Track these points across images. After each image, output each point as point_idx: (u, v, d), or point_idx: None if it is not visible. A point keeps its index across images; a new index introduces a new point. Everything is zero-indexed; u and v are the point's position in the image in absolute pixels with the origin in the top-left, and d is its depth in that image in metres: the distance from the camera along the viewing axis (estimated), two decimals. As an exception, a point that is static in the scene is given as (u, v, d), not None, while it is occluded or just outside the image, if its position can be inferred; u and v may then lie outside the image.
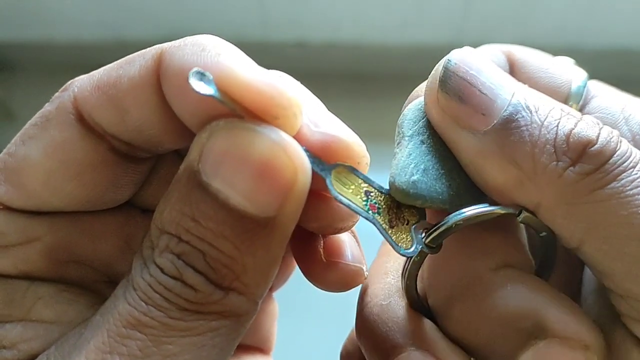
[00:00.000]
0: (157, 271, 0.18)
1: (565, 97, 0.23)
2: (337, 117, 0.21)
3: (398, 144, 0.22)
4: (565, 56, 0.26)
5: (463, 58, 0.21)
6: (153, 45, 0.20)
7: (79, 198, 0.21)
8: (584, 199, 0.19)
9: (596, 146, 0.19)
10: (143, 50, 0.20)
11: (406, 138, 0.21)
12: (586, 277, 0.24)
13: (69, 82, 0.20)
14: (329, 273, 0.22)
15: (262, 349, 0.29)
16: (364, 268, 0.23)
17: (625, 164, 0.19)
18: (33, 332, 0.20)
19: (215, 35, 0.20)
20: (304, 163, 0.18)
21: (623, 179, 0.18)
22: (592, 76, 0.24)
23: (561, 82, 0.23)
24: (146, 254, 0.18)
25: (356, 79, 0.81)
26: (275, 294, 0.30)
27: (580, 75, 0.24)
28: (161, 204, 0.18)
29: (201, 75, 0.17)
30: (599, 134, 0.19)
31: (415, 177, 0.20)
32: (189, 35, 0.20)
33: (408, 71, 0.85)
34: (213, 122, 0.18)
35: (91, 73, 0.20)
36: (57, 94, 0.21)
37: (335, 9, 0.75)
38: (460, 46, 0.22)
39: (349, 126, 0.21)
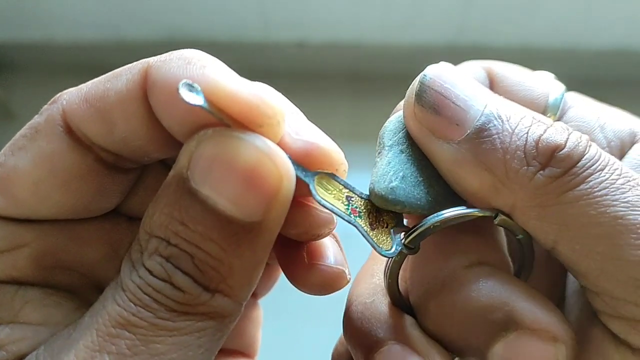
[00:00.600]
0: (146, 273, 0.18)
1: (542, 109, 0.24)
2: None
3: (379, 153, 0.23)
4: (561, 66, 0.26)
5: (438, 73, 0.22)
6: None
7: (66, 207, 0.21)
8: (554, 200, 0.20)
9: (564, 150, 0.20)
10: (129, 65, 0.21)
11: (386, 148, 0.23)
12: (569, 279, 0.25)
13: (58, 95, 0.21)
14: (311, 276, 0.23)
15: (246, 354, 0.30)
16: (346, 271, 0.24)
17: (594, 166, 0.20)
18: (21, 334, 0.20)
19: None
20: (289, 170, 0.19)
21: (591, 180, 0.19)
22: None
23: (538, 94, 0.24)
24: (135, 257, 0.19)
25: (356, 79, 0.81)
26: (267, 298, 0.31)
27: (558, 88, 0.25)
28: (150, 209, 0.19)
29: (190, 87, 0.18)
30: (568, 138, 0.20)
31: (393, 184, 0.22)
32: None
33: (408, 71, 0.85)
34: (201, 131, 0.19)
35: (79, 86, 0.21)
36: (46, 106, 0.21)
37: (335, 9, 0.75)
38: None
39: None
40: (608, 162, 0.20)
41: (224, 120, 0.18)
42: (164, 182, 0.19)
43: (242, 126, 0.19)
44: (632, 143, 0.24)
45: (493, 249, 0.23)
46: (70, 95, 0.21)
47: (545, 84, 0.25)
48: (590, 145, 0.20)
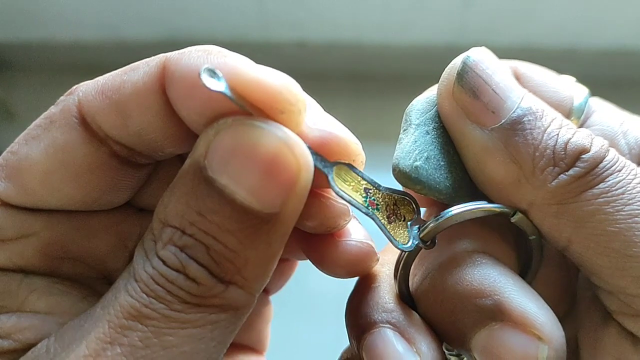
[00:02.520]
0: (159, 263, 0.18)
1: (567, 112, 0.24)
2: (337, 117, 0.21)
3: (404, 130, 0.23)
4: (561, 66, 0.26)
5: (482, 57, 0.22)
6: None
7: (76, 199, 0.21)
8: (574, 199, 0.20)
9: (589, 153, 0.21)
10: (148, 58, 0.20)
11: (413, 126, 0.23)
12: (581, 281, 0.25)
13: (75, 87, 0.21)
14: (339, 254, 0.23)
15: (256, 349, 0.30)
16: (375, 248, 0.23)
17: (613, 167, 0.20)
18: (27, 323, 0.20)
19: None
20: (308, 161, 0.18)
21: (609, 180, 0.20)
22: (592, 76, 0.25)
23: (564, 97, 0.24)
24: (148, 247, 0.18)
25: (356, 79, 0.81)
26: (274, 295, 0.31)
27: (582, 92, 0.25)
28: (165, 198, 0.19)
29: (212, 73, 0.17)
30: (592, 143, 0.21)
31: (418, 163, 0.22)
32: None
33: (408, 71, 0.85)
34: (220, 119, 0.18)
35: (96, 78, 0.21)
36: (62, 97, 0.21)
37: (335, 9, 0.75)
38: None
39: (349, 126, 0.21)
40: (625, 165, 0.21)
41: (244, 107, 0.18)
42: (179, 171, 0.19)
43: (262, 114, 0.18)
44: None
45: (501, 242, 0.23)
46: (87, 87, 0.21)
47: (570, 86, 0.25)
48: (609, 150, 0.21)
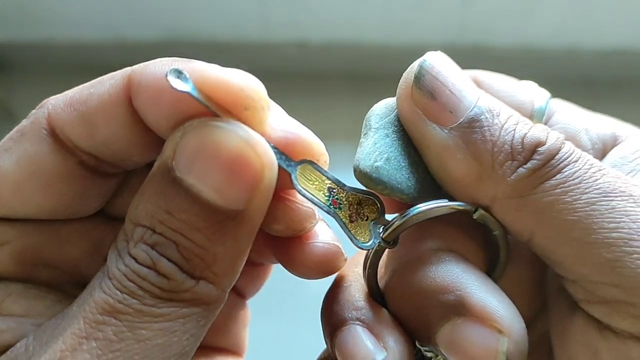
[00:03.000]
0: (131, 261, 0.19)
1: (528, 115, 0.25)
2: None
3: (365, 134, 0.23)
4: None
5: (438, 60, 0.23)
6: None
7: (47, 208, 0.22)
8: (533, 190, 0.21)
9: (545, 146, 0.21)
10: (115, 72, 0.21)
11: (372, 130, 0.23)
12: (549, 274, 0.25)
13: (45, 100, 0.22)
14: (307, 256, 0.23)
15: (234, 352, 0.31)
16: (342, 249, 0.24)
17: (569, 158, 0.21)
18: (4, 325, 0.21)
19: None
20: (271, 159, 0.19)
21: (566, 170, 0.21)
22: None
23: (524, 101, 0.25)
24: (121, 246, 0.19)
25: (356, 79, 0.81)
26: (260, 297, 0.31)
27: (543, 95, 0.26)
28: (135, 200, 0.20)
29: (178, 73, 0.18)
30: (548, 136, 0.22)
31: (378, 164, 0.22)
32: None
33: (408, 71, 0.85)
34: (186, 122, 0.19)
35: (65, 92, 0.22)
36: (33, 110, 0.22)
37: (335, 9, 0.75)
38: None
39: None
40: (581, 156, 0.21)
41: (210, 107, 0.19)
42: (149, 174, 0.20)
43: (227, 113, 0.19)
44: (614, 145, 0.25)
45: (465, 239, 0.24)
46: (56, 100, 0.21)
47: (530, 91, 0.26)
48: (564, 143, 0.22)
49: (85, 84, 0.21)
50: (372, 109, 0.24)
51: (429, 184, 0.23)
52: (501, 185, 0.21)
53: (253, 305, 0.31)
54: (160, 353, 0.18)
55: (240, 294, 0.30)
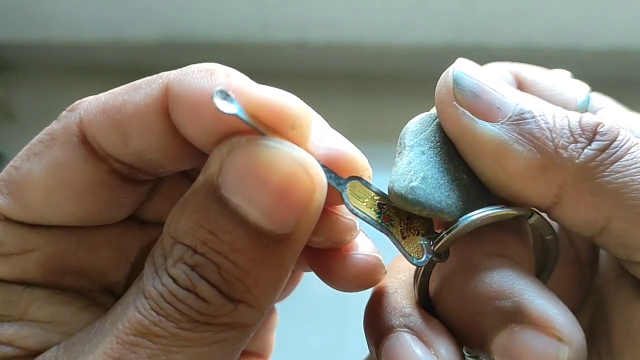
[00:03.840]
0: (169, 281, 0.18)
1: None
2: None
3: (399, 153, 0.22)
4: (561, 66, 0.27)
5: (469, 65, 0.22)
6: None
7: (77, 216, 0.21)
8: (606, 172, 0.20)
9: (605, 126, 0.21)
10: (150, 78, 0.20)
11: (407, 148, 0.22)
12: (602, 265, 0.25)
13: (77, 102, 0.21)
14: (346, 268, 0.22)
15: (261, 355, 0.30)
16: (382, 261, 0.23)
17: (631, 139, 0.21)
18: (29, 331, 0.20)
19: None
20: (322, 181, 0.18)
21: (635, 150, 0.20)
22: (591, 76, 0.25)
23: (569, 99, 0.25)
24: (158, 262, 0.18)
25: (356, 79, 0.81)
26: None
27: (582, 89, 0.25)
28: (176, 213, 0.19)
29: (224, 95, 0.17)
30: (603, 119, 0.21)
31: (414, 184, 0.21)
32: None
33: (408, 71, 0.85)
34: (234, 138, 0.18)
35: (98, 95, 0.21)
36: (64, 112, 0.21)
37: (335, 9, 0.75)
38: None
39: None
40: (638, 140, 0.21)
41: (257, 127, 0.18)
42: (192, 186, 0.19)
43: (273, 132, 0.18)
44: None
45: (518, 244, 0.23)
46: (89, 105, 0.21)
47: (571, 86, 0.25)
48: (621, 126, 0.21)
49: (118, 89, 0.21)
50: (406, 126, 0.23)
51: (473, 198, 0.22)
52: (570, 170, 0.20)
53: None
54: None
55: None
